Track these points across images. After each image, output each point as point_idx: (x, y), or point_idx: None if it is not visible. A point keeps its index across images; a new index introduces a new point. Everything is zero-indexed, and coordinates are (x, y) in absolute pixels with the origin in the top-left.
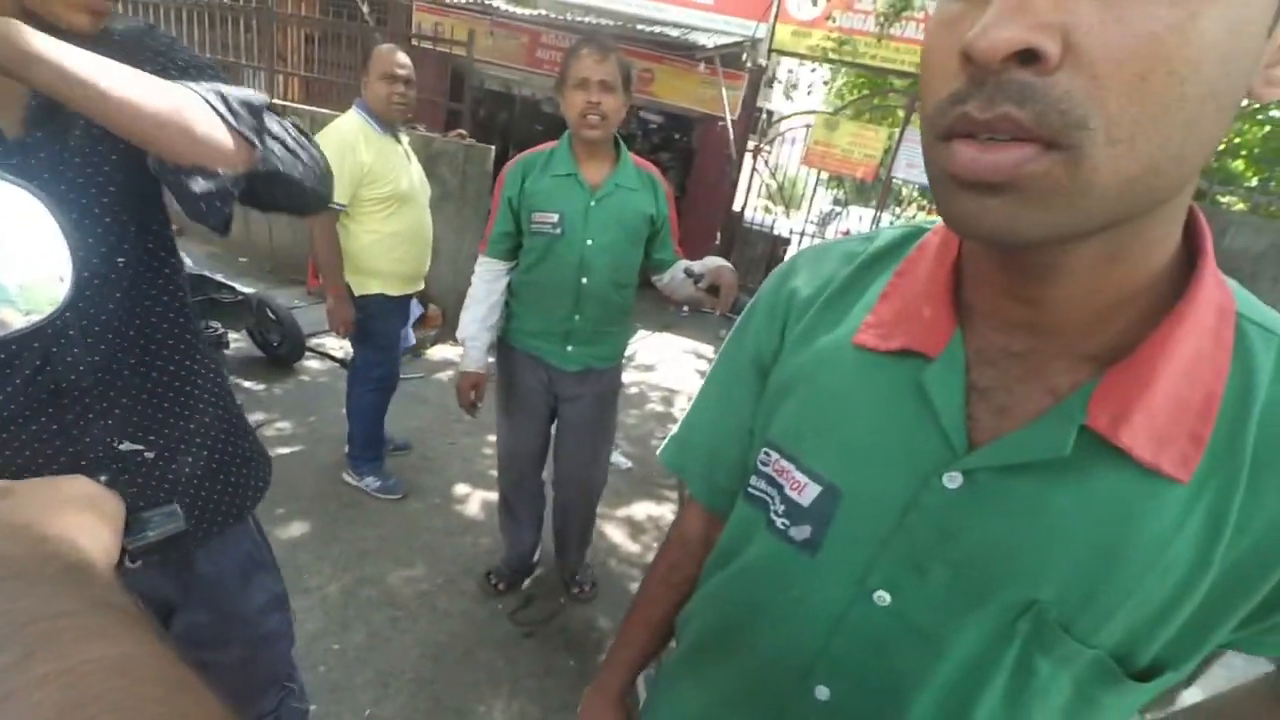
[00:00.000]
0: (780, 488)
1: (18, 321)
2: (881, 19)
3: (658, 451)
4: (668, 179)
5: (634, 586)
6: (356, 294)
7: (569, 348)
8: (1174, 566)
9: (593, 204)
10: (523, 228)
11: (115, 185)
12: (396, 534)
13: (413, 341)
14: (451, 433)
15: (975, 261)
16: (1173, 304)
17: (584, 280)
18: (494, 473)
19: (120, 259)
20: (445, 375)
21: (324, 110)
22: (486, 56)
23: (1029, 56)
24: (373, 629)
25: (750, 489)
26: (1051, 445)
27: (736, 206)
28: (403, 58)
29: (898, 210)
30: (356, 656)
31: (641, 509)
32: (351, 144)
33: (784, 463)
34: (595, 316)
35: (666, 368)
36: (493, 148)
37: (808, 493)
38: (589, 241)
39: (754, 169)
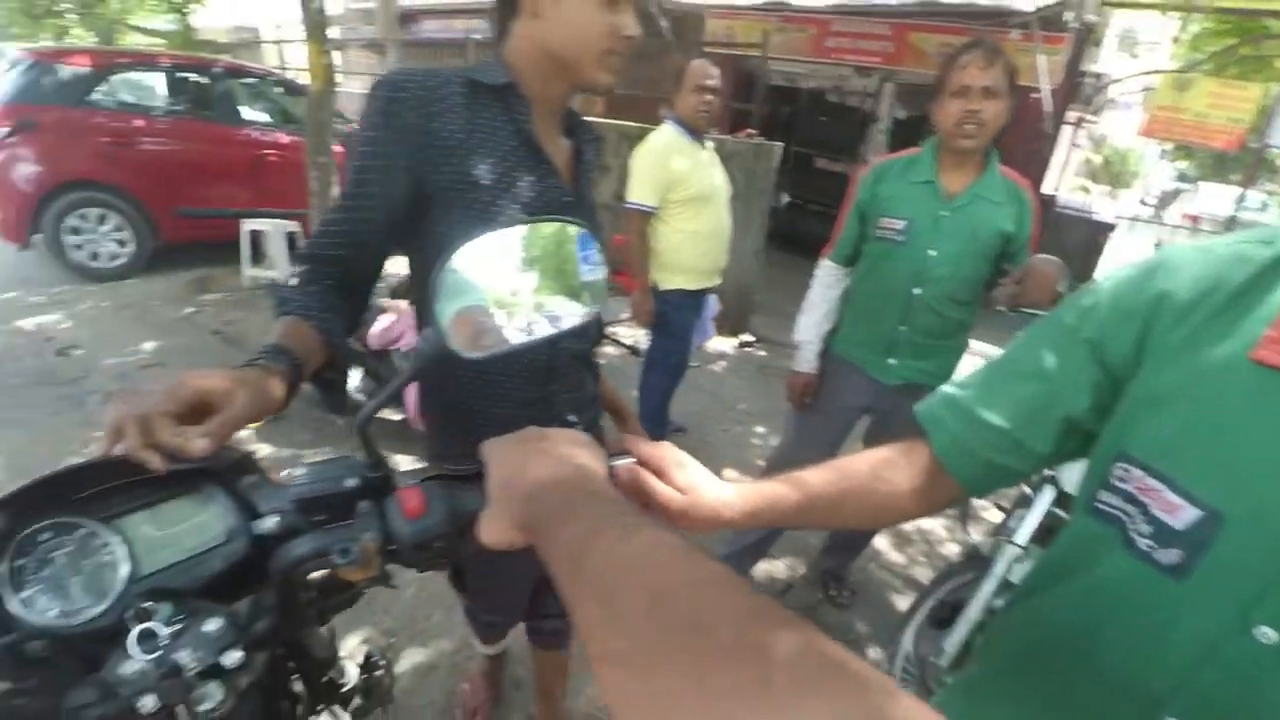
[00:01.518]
0: (1144, 506)
1: (586, 310)
2: None
3: (916, 407)
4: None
5: (895, 598)
6: (661, 288)
7: (890, 360)
8: None
9: (945, 213)
10: (867, 233)
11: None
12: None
13: (711, 334)
14: (725, 420)
15: None
16: None
17: (916, 291)
18: (761, 463)
19: None
20: (717, 367)
21: (627, 123)
22: (774, 53)
23: None
24: None
25: (1099, 504)
26: None
27: (1049, 189)
28: (713, 70)
29: (1271, 188)
30: None
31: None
32: (664, 154)
33: (1151, 481)
34: (924, 329)
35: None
36: (780, 145)
37: (1182, 515)
38: (931, 252)
39: (1072, 143)
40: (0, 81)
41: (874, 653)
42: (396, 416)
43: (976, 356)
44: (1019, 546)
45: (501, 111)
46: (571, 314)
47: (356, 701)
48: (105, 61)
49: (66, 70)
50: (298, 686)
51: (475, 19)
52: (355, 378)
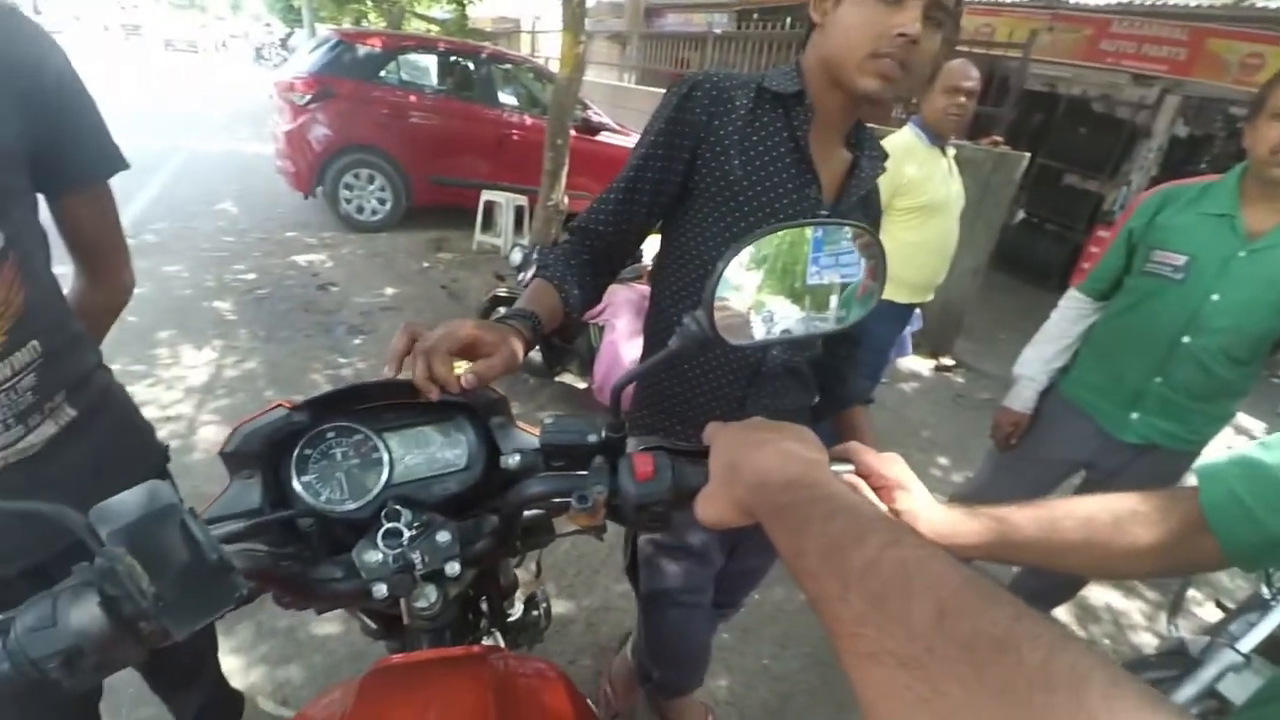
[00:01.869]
0: None
1: (837, 317)
2: None
3: (1198, 462)
4: None
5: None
6: None
7: (1133, 414)
8: None
9: (1242, 254)
10: (1134, 265)
11: None
12: None
13: (909, 351)
14: (904, 444)
15: None
16: None
17: (1186, 339)
18: (939, 495)
19: None
20: (906, 387)
21: (872, 126)
22: (1039, 54)
23: None
24: (790, 593)
25: None
26: None
27: None
28: (972, 72)
29: None
30: (771, 614)
31: (1099, 595)
32: (896, 161)
33: None
34: (1184, 385)
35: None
36: (1026, 155)
37: None
38: (1214, 296)
39: None
40: (310, 56)
41: None
42: (581, 385)
43: (1241, 436)
44: (1240, 654)
45: (781, 118)
46: (825, 320)
47: (514, 633)
48: (394, 44)
49: (363, 49)
50: (483, 606)
51: (716, 12)
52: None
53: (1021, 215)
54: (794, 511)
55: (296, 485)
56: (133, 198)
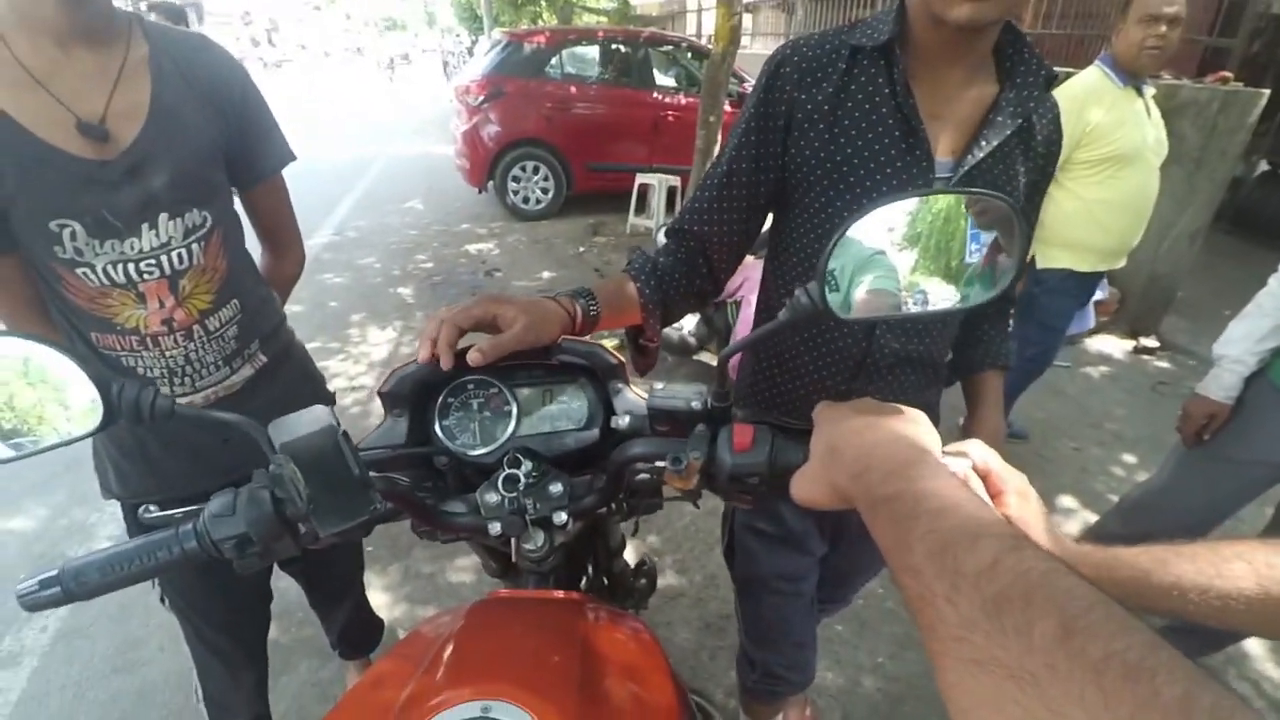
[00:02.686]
0: None
1: (959, 297)
2: None
3: None
4: None
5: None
6: (1039, 266)
7: None
8: None
9: None
10: None
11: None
12: None
13: (1092, 323)
14: (1081, 437)
15: None
16: None
17: None
18: (1113, 498)
19: None
20: (1095, 371)
21: (1061, 69)
22: None
23: None
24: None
25: None
26: None
27: None
28: None
29: None
30: (893, 610)
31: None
32: (1080, 103)
33: None
34: None
35: None
36: (1266, 92)
37: None
38: None
39: None
40: (484, 59)
41: None
42: (714, 360)
43: None
44: None
45: (881, 73)
46: (945, 298)
47: (620, 593)
48: (557, 39)
49: (529, 47)
50: (589, 563)
51: None
52: (691, 322)
53: (1263, 166)
54: (898, 504)
55: (437, 428)
56: (340, 201)
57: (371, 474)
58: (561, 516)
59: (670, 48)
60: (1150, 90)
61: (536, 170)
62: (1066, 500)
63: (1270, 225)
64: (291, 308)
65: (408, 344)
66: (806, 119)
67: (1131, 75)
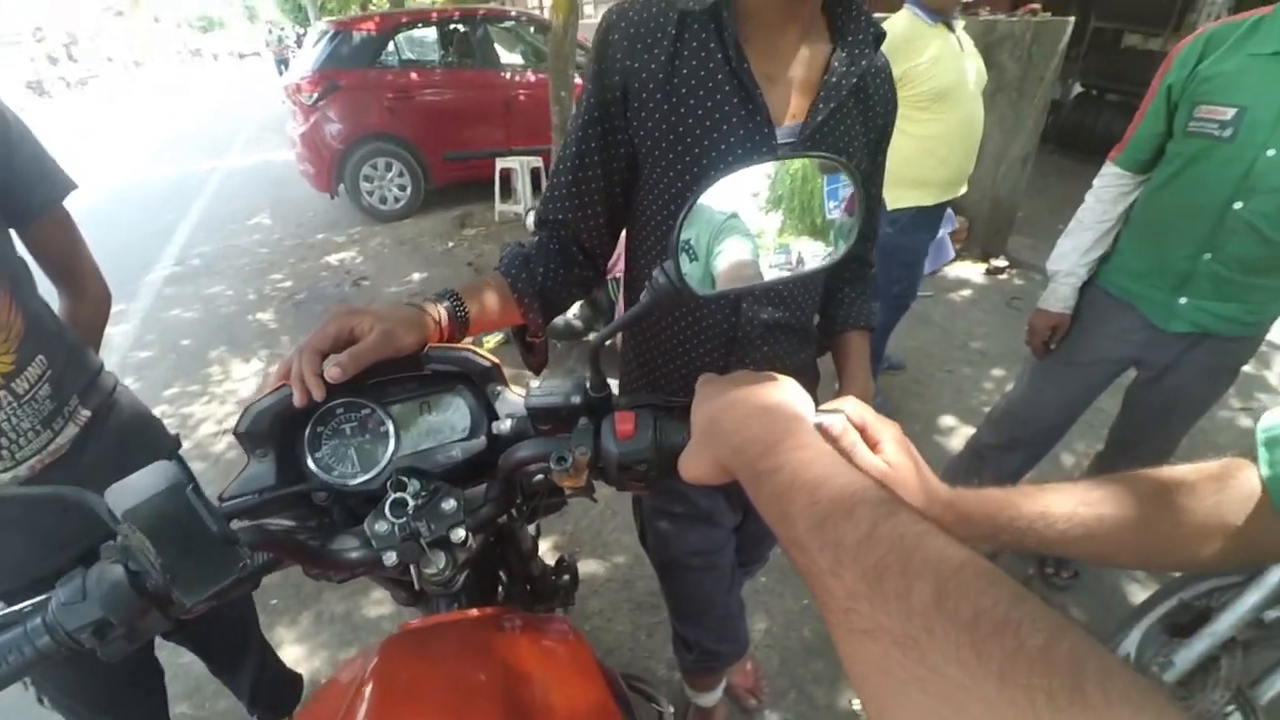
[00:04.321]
0: None
1: (828, 252)
2: None
3: (1262, 419)
4: None
5: (1129, 587)
6: (888, 208)
7: (1180, 299)
8: None
9: None
10: (1176, 127)
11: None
12: None
13: (951, 255)
14: (951, 360)
15: None
16: None
17: (1237, 205)
18: (987, 410)
19: None
20: (955, 296)
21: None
22: None
23: None
24: None
25: None
26: None
27: None
28: None
29: None
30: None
31: None
32: (895, 45)
33: None
34: (1238, 259)
35: None
36: (1070, 20)
37: None
38: (1271, 151)
39: None
40: (312, 53)
41: None
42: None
43: None
44: None
45: (713, 38)
46: (815, 255)
47: (543, 596)
48: (388, 24)
49: (359, 35)
50: (502, 572)
51: None
52: (575, 304)
53: (1078, 88)
54: (777, 478)
55: (309, 462)
56: (176, 227)
57: (240, 524)
58: (459, 533)
59: (511, 24)
60: (960, 23)
61: (390, 167)
62: (947, 420)
63: (1090, 141)
64: (139, 354)
65: None
66: (643, 88)
67: (939, 13)
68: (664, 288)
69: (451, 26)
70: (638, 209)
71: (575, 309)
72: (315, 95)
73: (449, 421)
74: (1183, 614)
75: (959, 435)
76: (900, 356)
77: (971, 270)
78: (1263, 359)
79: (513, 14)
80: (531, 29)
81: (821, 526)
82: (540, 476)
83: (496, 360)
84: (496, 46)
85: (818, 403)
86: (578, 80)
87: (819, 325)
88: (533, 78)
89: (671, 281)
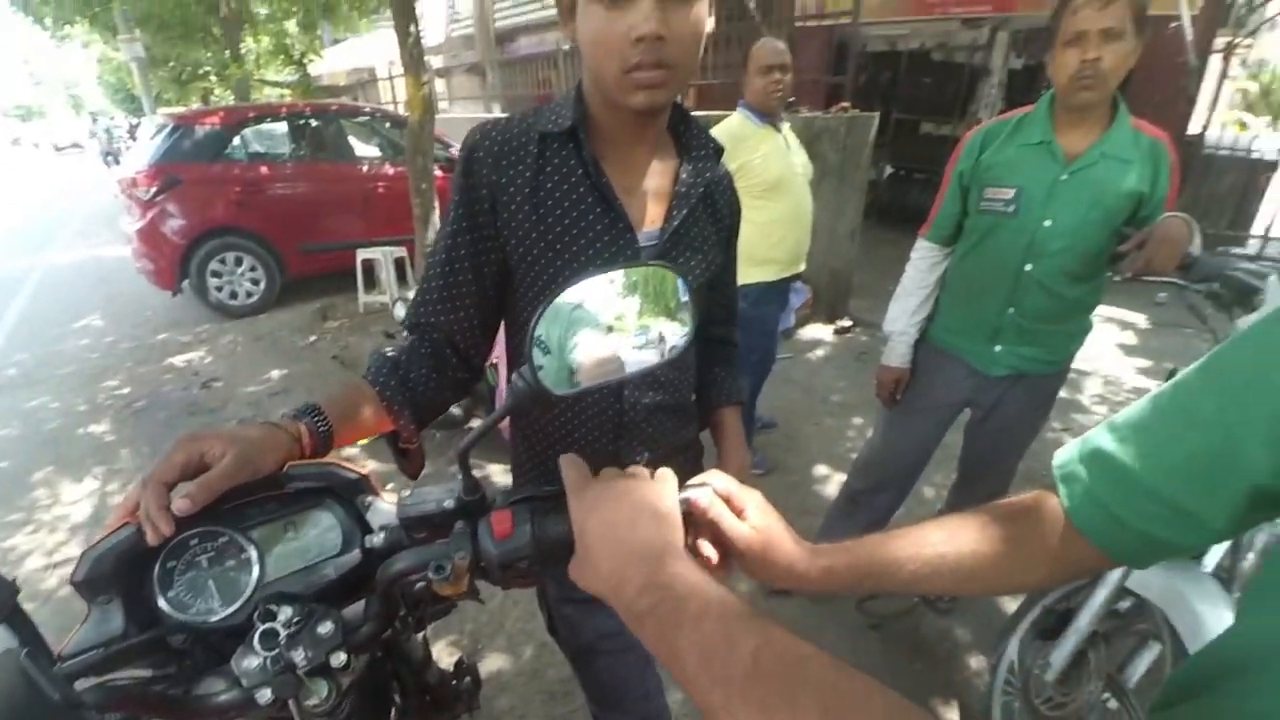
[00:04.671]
0: None
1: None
2: None
3: (1055, 455)
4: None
5: (1002, 602)
6: (740, 283)
7: (996, 347)
8: None
9: (1064, 177)
10: (970, 206)
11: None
12: None
13: (792, 323)
14: (816, 414)
15: None
16: None
17: (1028, 267)
18: (854, 456)
19: None
20: (812, 356)
21: (714, 113)
22: (870, 16)
23: None
24: (730, 586)
25: None
26: None
27: (1195, 128)
28: (778, 46)
29: None
30: None
31: None
32: (729, 145)
33: None
34: (1035, 311)
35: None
36: (876, 115)
37: None
38: (1047, 222)
39: (1224, 75)
40: (149, 146)
41: (975, 661)
42: None
43: (1127, 331)
44: None
45: (572, 155)
46: (674, 337)
47: (444, 706)
48: (234, 118)
49: (202, 129)
50: (395, 688)
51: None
52: None
53: (889, 170)
54: (657, 617)
55: (161, 602)
56: None
57: (86, 683)
58: (340, 657)
59: (365, 118)
60: (786, 124)
61: (240, 261)
62: (821, 469)
63: (904, 214)
64: None
65: (119, 491)
66: (510, 200)
67: (767, 115)
68: (523, 391)
69: (302, 121)
70: (513, 309)
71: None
72: (153, 190)
73: (318, 540)
74: (1048, 619)
75: (833, 482)
76: (771, 415)
77: (823, 331)
78: (1073, 385)
79: (367, 109)
80: (387, 124)
81: (708, 661)
82: (422, 584)
83: (364, 470)
84: (351, 140)
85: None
86: (438, 173)
87: (696, 404)
88: (391, 170)
89: (529, 384)
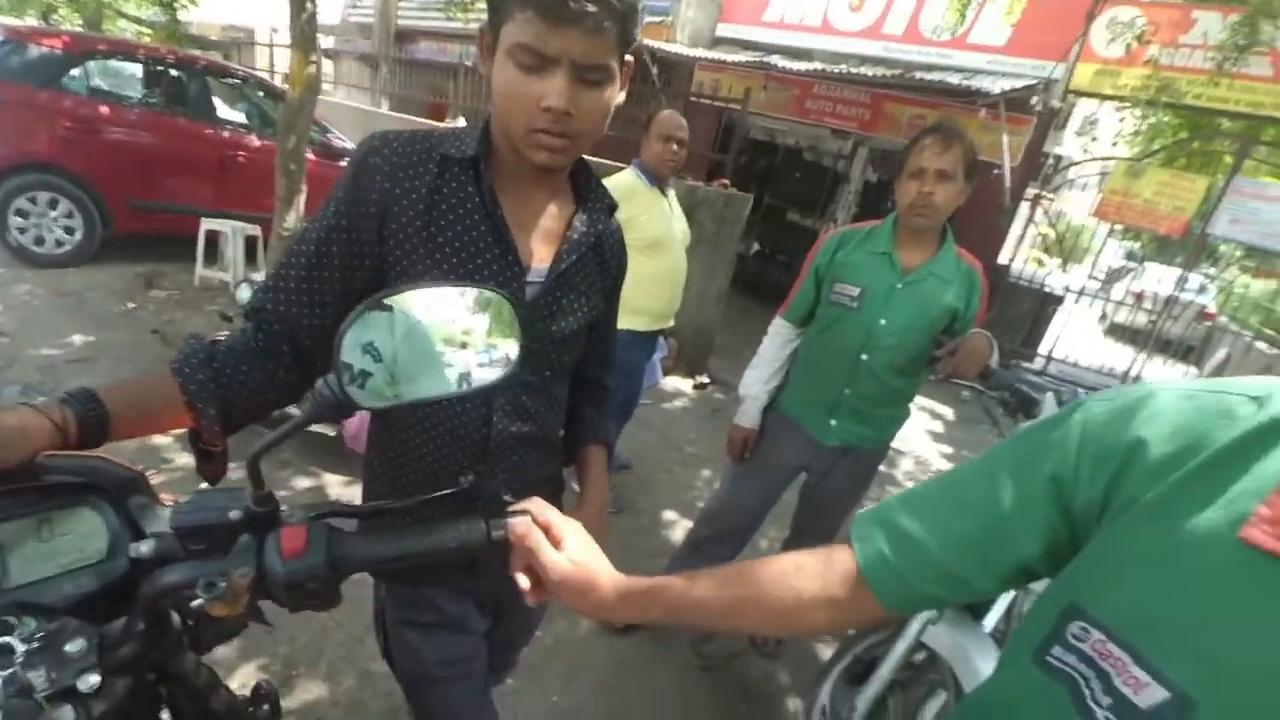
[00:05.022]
0: (1105, 675)
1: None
2: (1220, 57)
3: (856, 515)
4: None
5: (821, 648)
6: None
7: (832, 421)
8: None
9: (899, 286)
10: (822, 296)
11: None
12: (608, 547)
13: (658, 379)
14: (669, 461)
15: None
16: None
17: (864, 356)
18: (701, 504)
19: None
20: (670, 406)
21: (611, 163)
22: (757, 109)
23: None
24: (572, 624)
25: (1051, 658)
26: None
27: (1004, 259)
28: (680, 121)
29: (1210, 272)
30: (553, 647)
31: None
32: (619, 197)
33: (1115, 649)
34: (867, 395)
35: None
36: (751, 196)
37: (1149, 694)
38: (882, 321)
39: (1030, 219)
40: None
41: (794, 704)
42: (331, 432)
43: (937, 420)
44: (934, 611)
45: (471, 182)
46: (475, 379)
47: None
48: (80, 46)
49: (38, 50)
50: (165, 716)
51: (470, 44)
52: None
53: (755, 247)
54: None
55: None
56: None
57: None
58: (91, 680)
59: (236, 82)
60: (672, 191)
61: (55, 204)
62: (669, 514)
63: (766, 288)
64: None
65: None
66: (402, 213)
67: (657, 179)
68: (327, 399)
69: (162, 68)
70: None
71: None
72: None
73: (78, 543)
74: (857, 666)
75: (679, 527)
76: (629, 457)
77: (683, 384)
78: (891, 461)
79: (240, 72)
80: (261, 93)
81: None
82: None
83: (140, 468)
84: (216, 100)
85: (562, 509)
86: (310, 156)
87: (563, 440)
88: (257, 142)
89: (334, 393)
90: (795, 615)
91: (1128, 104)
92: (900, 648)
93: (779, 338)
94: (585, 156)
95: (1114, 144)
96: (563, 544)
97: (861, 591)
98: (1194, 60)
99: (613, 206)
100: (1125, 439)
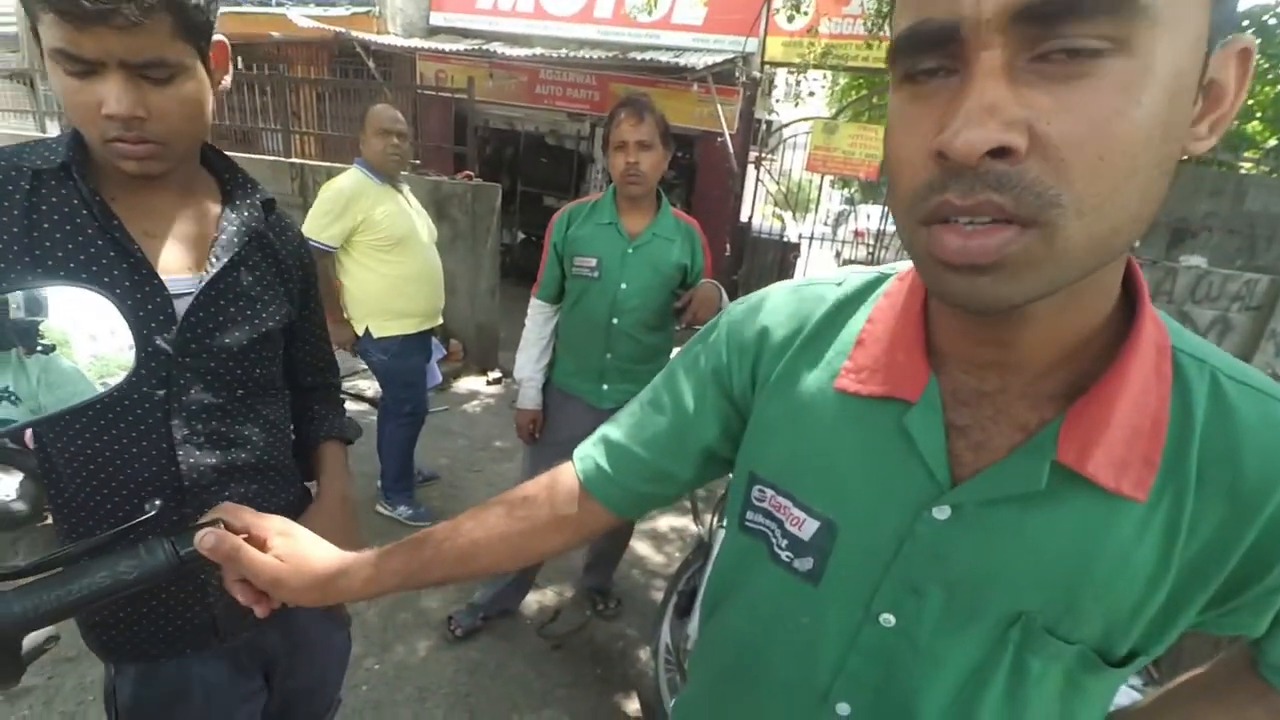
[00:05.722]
0: (780, 522)
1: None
2: (869, 23)
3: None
4: (674, 197)
5: (658, 596)
6: (376, 336)
7: (604, 386)
8: (1139, 570)
9: (629, 251)
10: (566, 271)
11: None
12: None
13: (439, 379)
14: (477, 461)
15: (944, 312)
16: (1120, 344)
17: (614, 321)
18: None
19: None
20: (470, 407)
21: (336, 165)
22: (489, 97)
23: (1001, 152)
24: (410, 648)
25: (748, 523)
26: (1028, 480)
27: (744, 218)
28: (394, 114)
29: None
30: (396, 674)
31: (665, 521)
32: (347, 197)
33: (780, 499)
34: (627, 355)
35: None
36: (499, 186)
37: (807, 527)
38: (623, 285)
39: (758, 180)
40: None
41: (644, 653)
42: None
43: None
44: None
45: (74, 194)
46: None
47: None
48: None
49: None
50: None
51: None
52: (10, 483)
53: (521, 236)
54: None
55: None
56: None
57: None
58: None
59: None
60: (405, 187)
61: None
62: None
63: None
64: None
65: None
66: (4, 247)
67: (385, 175)
68: None
69: None
70: None
71: (14, 487)
72: None
73: None
74: (683, 600)
75: None
76: (432, 468)
77: (477, 383)
78: None
79: None
80: None
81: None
82: None
83: None
84: None
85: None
86: None
87: (296, 443)
88: None
89: None
90: (532, 543)
91: (803, 70)
92: (710, 570)
93: (539, 316)
94: (230, 159)
95: (825, 106)
96: (269, 543)
97: (588, 504)
98: (856, 28)
99: (268, 202)
100: (755, 330)
